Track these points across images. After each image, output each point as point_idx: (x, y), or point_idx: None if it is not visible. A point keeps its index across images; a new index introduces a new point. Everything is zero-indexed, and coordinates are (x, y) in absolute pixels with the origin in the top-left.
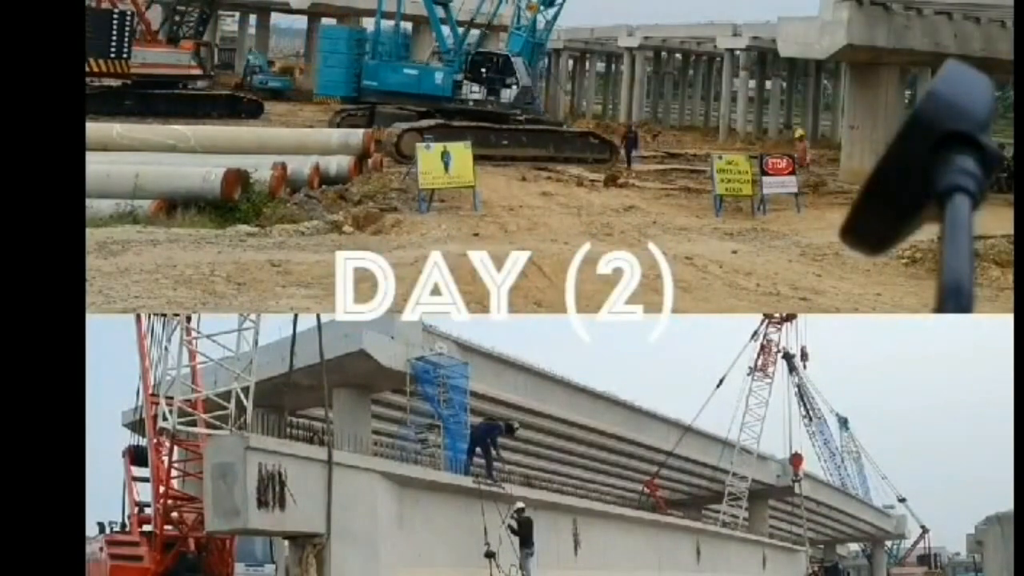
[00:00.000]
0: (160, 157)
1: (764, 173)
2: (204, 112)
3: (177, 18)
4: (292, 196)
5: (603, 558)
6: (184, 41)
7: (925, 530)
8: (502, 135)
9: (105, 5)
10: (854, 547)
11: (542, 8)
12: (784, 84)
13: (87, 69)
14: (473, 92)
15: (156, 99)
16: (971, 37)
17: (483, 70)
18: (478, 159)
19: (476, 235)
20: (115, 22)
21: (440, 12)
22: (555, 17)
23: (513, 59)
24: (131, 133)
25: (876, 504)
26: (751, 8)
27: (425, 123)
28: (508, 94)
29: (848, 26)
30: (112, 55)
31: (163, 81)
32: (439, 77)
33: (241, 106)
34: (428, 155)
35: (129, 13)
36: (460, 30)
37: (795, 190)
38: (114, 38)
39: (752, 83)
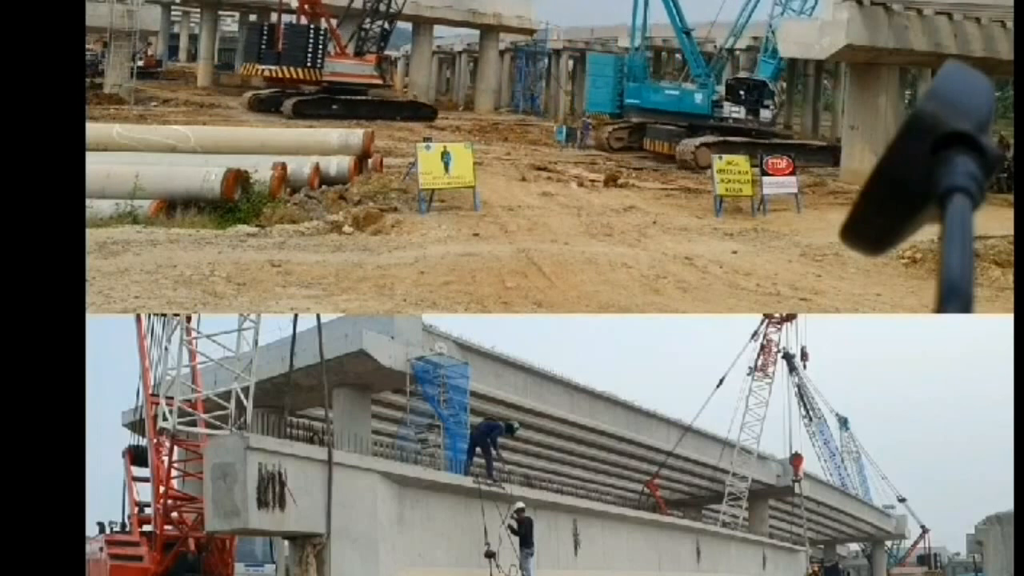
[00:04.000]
0: (160, 157)
1: (764, 173)
2: (390, 115)
3: (362, 34)
4: (292, 196)
5: (603, 558)
6: (368, 55)
7: (925, 530)
8: (766, 149)
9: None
10: (854, 547)
11: None
12: (784, 84)
13: (288, 77)
14: (734, 111)
15: (357, 104)
16: (971, 37)
17: (740, 92)
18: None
19: (476, 235)
20: (311, 37)
21: (685, 40)
22: None
23: (769, 83)
24: (131, 133)
25: (876, 504)
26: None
27: (712, 139)
28: (766, 114)
29: (848, 26)
30: (308, 65)
31: (350, 88)
32: (699, 97)
33: (420, 111)
34: (428, 155)
35: (323, 29)
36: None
37: (795, 190)
38: (310, 51)
39: None
